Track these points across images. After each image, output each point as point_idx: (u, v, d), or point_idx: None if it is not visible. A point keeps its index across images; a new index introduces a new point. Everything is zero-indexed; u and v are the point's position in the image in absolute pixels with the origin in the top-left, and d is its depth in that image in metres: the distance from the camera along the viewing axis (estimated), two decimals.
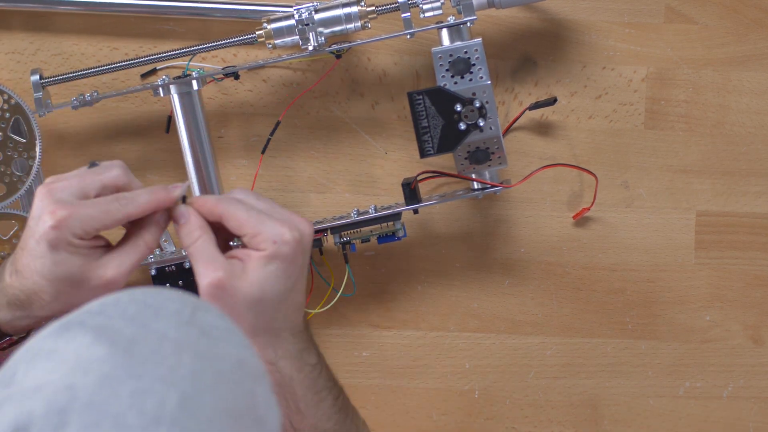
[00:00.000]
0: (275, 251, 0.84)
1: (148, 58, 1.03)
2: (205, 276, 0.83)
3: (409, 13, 1.00)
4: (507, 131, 1.09)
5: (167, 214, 0.86)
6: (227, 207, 0.85)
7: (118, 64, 1.03)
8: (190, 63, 1.04)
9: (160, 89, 1.01)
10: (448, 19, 1.00)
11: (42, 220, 0.82)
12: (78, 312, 0.61)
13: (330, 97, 1.09)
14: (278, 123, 1.05)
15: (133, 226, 0.87)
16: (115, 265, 0.85)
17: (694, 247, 1.11)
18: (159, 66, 1.07)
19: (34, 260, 0.83)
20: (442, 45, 1.00)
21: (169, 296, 0.63)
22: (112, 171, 0.87)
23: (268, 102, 1.09)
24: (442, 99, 0.99)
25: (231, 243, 0.89)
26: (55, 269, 0.83)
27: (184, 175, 1.04)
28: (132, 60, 1.03)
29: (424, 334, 1.11)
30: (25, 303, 0.85)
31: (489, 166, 1.02)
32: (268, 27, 1.00)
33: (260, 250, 0.84)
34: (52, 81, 1.02)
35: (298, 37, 1.00)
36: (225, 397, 0.58)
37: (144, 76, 1.08)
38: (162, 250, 1.06)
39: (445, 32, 1.00)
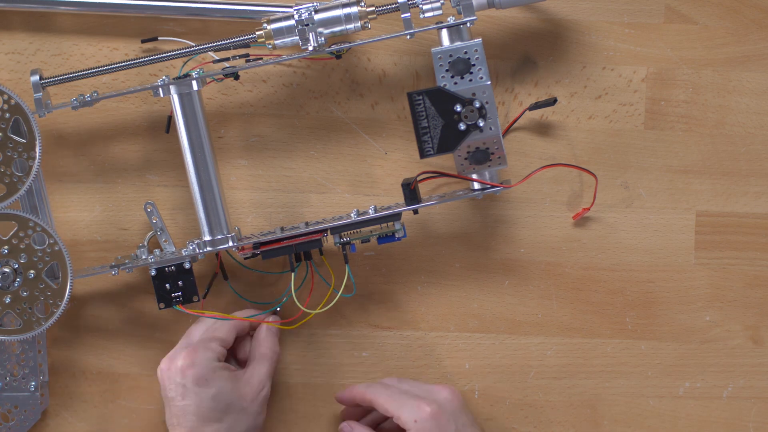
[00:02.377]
0: (417, 430, 0.98)
1: (148, 58, 1.03)
2: None
3: (409, 14, 1.00)
4: (507, 131, 1.09)
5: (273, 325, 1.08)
6: (373, 393, 1.03)
7: (118, 64, 1.03)
8: (191, 62, 1.04)
9: (160, 89, 1.01)
10: (448, 19, 1.00)
11: (178, 375, 1.01)
12: None
13: (330, 97, 1.09)
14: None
15: (254, 344, 1.07)
16: (256, 375, 1.04)
17: (694, 247, 1.11)
18: (157, 63, 1.07)
19: (185, 417, 1.00)
20: (442, 45, 1.00)
21: None
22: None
23: (268, 102, 1.09)
24: (442, 99, 0.99)
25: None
26: (218, 405, 1.00)
27: (184, 175, 1.04)
28: (132, 60, 1.03)
29: (424, 334, 1.11)
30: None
31: (489, 166, 1.02)
32: (268, 27, 1.00)
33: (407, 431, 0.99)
34: (52, 81, 1.02)
35: (298, 37, 1.00)
36: None
37: (144, 41, 1.07)
38: (162, 250, 1.06)
39: (445, 32, 1.00)
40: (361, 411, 1.09)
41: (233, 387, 1.02)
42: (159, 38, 1.07)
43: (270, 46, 1.01)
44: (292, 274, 1.06)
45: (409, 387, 1.03)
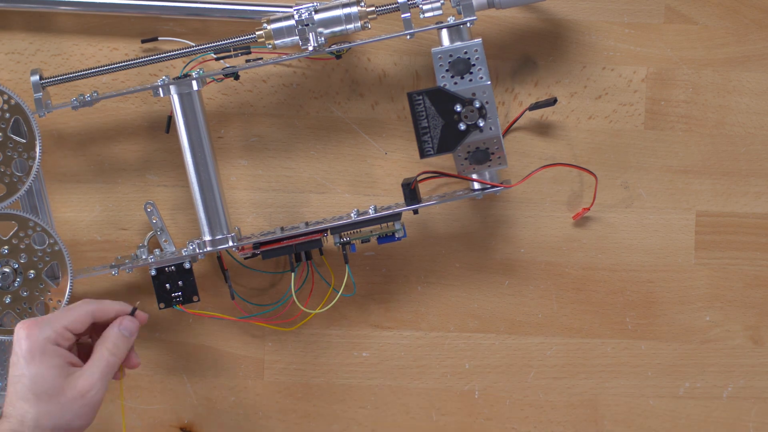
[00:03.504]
0: None
1: (149, 58, 1.03)
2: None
3: (409, 14, 1.00)
4: (507, 131, 1.09)
5: (128, 326, 1.00)
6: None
7: (118, 64, 1.03)
8: (191, 61, 1.04)
9: (160, 89, 1.01)
10: (448, 19, 1.00)
11: (17, 343, 0.96)
12: None
13: (330, 97, 1.09)
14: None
15: (98, 343, 0.99)
16: (86, 376, 0.96)
17: (694, 247, 1.11)
18: (157, 59, 1.07)
19: (13, 386, 0.95)
20: (442, 45, 1.00)
21: None
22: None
23: (268, 102, 1.09)
24: (442, 99, 0.99)
25: None
26: (34, 386, 0.94)
27: (184, 175, 1.04)
28: (132, 60, 1.03)
29: (424, 334, 1.11)
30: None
31: (489, 166, 1.02)
32: (268, 27, 1.00)
33: None
34: (52, 81, 1.02)
35: (298, 37, 1.00)
36: None
37: (144, 41, 1.07)
38: (162, 250, 1.06)
39: (445, 32, 1.00)
40: None
41: (57, 376, 0.95)
42: (159, 38, 1.07)
43: (270, 46, 1.01)
44: (292, 274, 1.06)
45: None
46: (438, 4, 0.99)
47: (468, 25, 1.00)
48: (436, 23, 1.01)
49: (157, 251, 1.05)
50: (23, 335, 0.95)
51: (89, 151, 1.09)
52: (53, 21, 1.08)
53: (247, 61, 1.02)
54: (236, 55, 1.02)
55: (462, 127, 1.00)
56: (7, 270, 1.03)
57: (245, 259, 1.07)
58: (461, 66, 0.99)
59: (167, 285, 1.04)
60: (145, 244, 1.07)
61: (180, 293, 1.04)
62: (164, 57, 1.02)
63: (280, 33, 1.00)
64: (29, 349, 0.95)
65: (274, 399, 1.11)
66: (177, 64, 1.08)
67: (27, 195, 1.06)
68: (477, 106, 0.99)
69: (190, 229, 1.09)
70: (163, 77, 1.01)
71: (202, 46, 1.02)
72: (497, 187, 1.02)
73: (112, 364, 0.98)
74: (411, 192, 1.03)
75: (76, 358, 0.98)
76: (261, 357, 1.11)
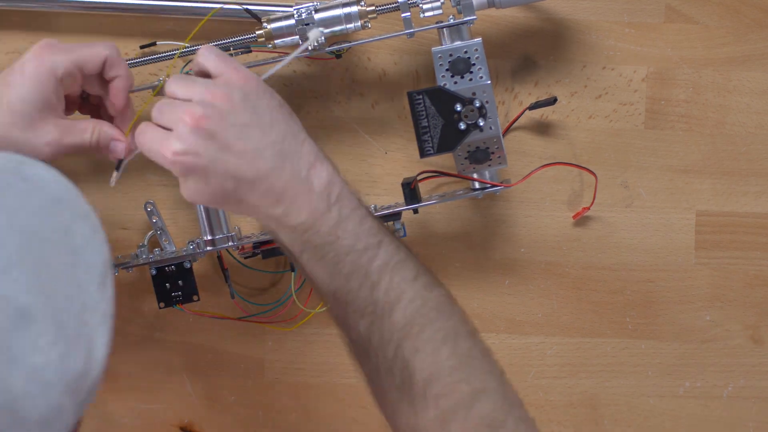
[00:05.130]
0: (177, 170, 0.84)
1: (149, 58, 1.03)
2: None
3: (409, 13, 1.00)
4: (507, 131, 1.09)
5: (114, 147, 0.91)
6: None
7: None
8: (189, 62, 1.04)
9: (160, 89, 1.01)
10: (448, 18, 1.00)
11: (26, 56, 0.86)
12: None
13: (330, 97, 1.09)
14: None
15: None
16: (56, 132, 0.87)
17: (694, 247, 1.11)
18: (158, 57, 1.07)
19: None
20: (442, 45, 1.00)
21: None
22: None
23: None
24: (442, 99, 0.99)
25: None
26: (23, 100, 0.85)
27: None
28: (132, 60, 1.03)
29: None
30: None
31: (489, 165, 1.02)
32: (268, 27, 1.00)
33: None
34: None
35: (298, 36, 1.00)
36: (26, 221, 0.63)
37: (143, 47, 1.07)
38: (162, 249, 1.06)
39: (445, 32, 1.00)
40: None
41: (37, 105, 0.87)
42: (158, 42, 1.07)
43: (270, 46, 1.01)
44: (292, 273, 1.06)
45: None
46: (438, 4, 0.99)
47: (468, 24, 1.00)
48: (436, 23, 1.01)
49: (157, 251, 1.05)
50: (32, 55, 0.86)
51: None
52: (53, 21, 1.08)
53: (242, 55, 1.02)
54: (237, 54, 1.02)
55: (462, 126, 1.00)
56: None
57: (245, 258, 1.07)
58: (461, 65, 0.99)
59: (167, 284, 1.04)
60: (145, 243, 1.07)
61: (180, 293, 1.04)
62: (164, 57, 1.02)
63: (280, 33, 1.00)
64: (31, 70, 0.86)
65: (274, 399, 1.11)
66: (177, 63, 1.08)
67: None
68: (477, 105, 0.99)
69: (190, 229, 1.09)
70: (164, 76, 1.01)
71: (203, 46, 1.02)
72: (497, 186, 1.02)
73: (82, 143, 0.89)
74: (411, 191, 1.03)
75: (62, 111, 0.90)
76: (261, 357, 1.11)
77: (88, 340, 0.63)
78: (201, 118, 0.82)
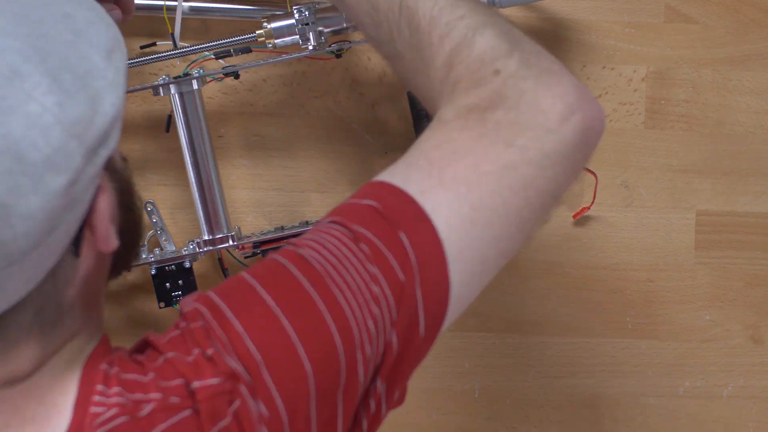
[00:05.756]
0: None
1: (148, 58, 1.03)
2: None
3: None
4: None
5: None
6: None
7: None
8: (191, 63, 1.04)
9: (160, 89, 1.01)
10: None
11: None
12: None
13: (330, 96, 1.09)
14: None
15: None
16: None
17: (694, 247, 1.11)
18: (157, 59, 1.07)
19: None
20: None
21: None
22: None
23: (268, 102, 1.09)
24: None
25: None
26: None
27: (184, 175, 1.04)
28: (132, 60, 1.03)
29: None
30: None
31: None
32: (269, 26, 1.00)
33: None
34: None
35: (298, 36, 1.00)
36: (21, 7, 0.66)
37: (144, 47, 1.07)
38: (162, 249, 1.06)
39: None
40: None
41: None
42: (158, 42, 1.07)
43: (270, 46, 1.01)
44: None
45: None
46: None
47: None
48: None
49: (157, 250, 1.05)
50: None
51: None
52: None
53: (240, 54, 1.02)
54: (237, 54, 1.02)
55: None
56: None
57: (245, 258, 1.07)
58: None
59: (167, 284, 1.04)
60: (145, 243, 1.07)
61: (180, 292, 1.04)
62: (164, 57, 1.02)
63: (280, 32, 1.00)
64: None
65: None
66: (177, 63, 1.08)
67: None
68: None
69: (190, 229, 1.09)
70: (164, 76, 1.01)
71: (202, 46, 1.02)
72: None
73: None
74: None
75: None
76: None
77: (92, 96, 0.66)
78: None
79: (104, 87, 0.67)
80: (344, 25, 1.00)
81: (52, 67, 0.65)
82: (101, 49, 0.68)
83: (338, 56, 1.04)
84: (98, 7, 0.70)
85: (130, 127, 1.09)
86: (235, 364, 0.67)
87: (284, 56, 1.03)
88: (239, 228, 1.06)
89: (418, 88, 0.81)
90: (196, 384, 0.67)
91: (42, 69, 0.64)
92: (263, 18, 1.01)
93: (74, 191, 0.65)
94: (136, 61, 1.03)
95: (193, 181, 1.03)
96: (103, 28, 0.69)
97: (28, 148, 0.62)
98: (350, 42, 1.02)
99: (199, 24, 1.08)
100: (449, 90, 0.77)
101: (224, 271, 1.07)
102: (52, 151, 0.63)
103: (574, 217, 1.10)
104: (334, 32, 1.00)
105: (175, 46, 1.03)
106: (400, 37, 0.80)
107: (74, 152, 0.64)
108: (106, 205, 0.68)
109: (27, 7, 0.66)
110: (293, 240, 0.74)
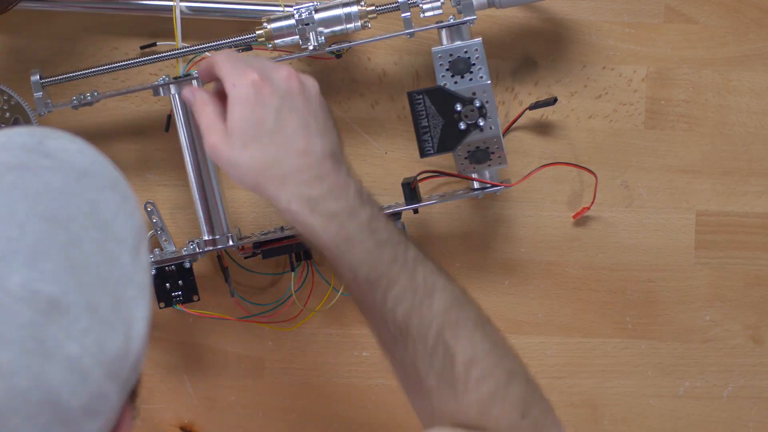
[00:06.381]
0: (234, 94, 0.85)
1: (148, 58, 1.03)
2: (205, 142, 0.86)
3: (409, 13, 1.00)
4: (507, 131, 1.09)
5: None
6: (216, 58, 0.88)
7: (118, 64, 1.03)
8: (190, 62, 1.04)
9: (160, 89, 1.01)
10: (448, 18, 1.00)
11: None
12: None
13: (330, 96, 1.09)
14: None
15: None
16: None
17: (694, 247, 1.11)
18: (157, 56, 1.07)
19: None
20: (442, 45, 1.00)
21: (19, 131, 0.64)
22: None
23: None
24: (442, 99, 0.99)
25: None
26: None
27: (184, 175, 1.04)
28: (132, 60, 1.03)
29: None
30: None
31: (489, 165, 1.02)
32: (268, 27, 1.00)
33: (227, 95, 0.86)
34: (52, 81, 1.02)
35: (298, 36, 1.00)
36: (48, 205, 0.60)
37: (144, 47, 1.07)
38: (162, 249, 1.06)
39: (445, 32, 1.00)
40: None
41: None
42: (158, 43, 1.07)
43: (270, 46, 1.01)
44: (292, 273, 1.06)
45: (254, 59, 0.89)
46: (438, 4, 0.99)
47: (468, 24, 1.00)
48: (436, 23, 1.01)
49: (157, 251, 1.05)
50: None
51: None
52: (53, 21, 1.08)
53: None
54: (239, 51, 1.02)
55: (462, 126, 1.00)
56: None
57: (245, 258, 1.07)
58: (461, 65, 0.99)
59: (167, 284, 1.04)
60: None
61: (180, 293, 1.04)
62: (164, 57, 1.02)
63: (280, 32, 1.00)
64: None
65: (274, 399, 1.11)
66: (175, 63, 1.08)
67: None
68: (477, 105, 0.99)
69: (190, 229, 1.09)
70: (164, 76, 1.01)
71: (202, 46, 1.02)
72: (497, 186, 1.02)
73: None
74: (411, 191, 1.03)
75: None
76: (261, 357, 1.11)
77: (126, 318, 0.61)
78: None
79: (133, 297, 0.62)
80: (344, 26, 1.00)
81: (88, 289, 0.59)
82: (128, 246, 0.63)
83: (338, 56, 1.04)
84: (120, 180, 0.66)
85: (130, 128, 1.09)
86: None
87: (284, 56, 1.03)
88: (239, 228, 1.06)
89: (412, 381, 0.85)
90: None
91: (80, 296, 0.59)
92: (263, 18, 1.01)
93: (106, 426, 0.60)
94: (137, 62, 1.03)
95: (193, 181, 1.03)
96: (129, 212, 0.64)
97: (67, 396, 0.57)
98: (350, 42, 1.02)
99: (199, 24, 1.08)
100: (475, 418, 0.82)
101: (224, 270, 1.07)
102: (91, 397, 0.58)
103: (574, 217, 1.10)
104: (334, 33, 1.00)
105: (177, 47, 1.03)
106: (429, 366, 0.83)
107: (111, 393, 0.60)
108: (128, 428, 0.64)
109: (54, 204, 0.61)
110: None
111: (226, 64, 0.86)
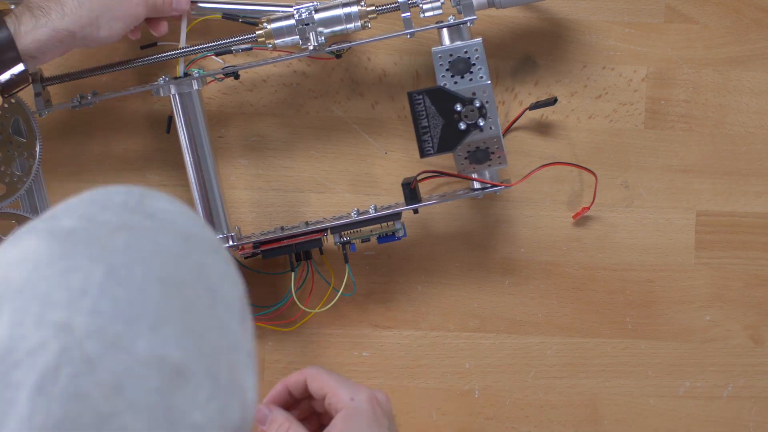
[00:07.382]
0: (353, 407, 0.89)
1: (149, 58, 1.03)
2: None
3: (409, 13, 1.00)
4: (507, 131, 1.09)
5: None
6: (310, 372, 0.93)
7: (118, 64, 1.03)
8: (191, 62, 1.04)
9: (160, 89, 1.01)
10: (448, 18, 1.00)
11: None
12: (33, 221, 0.60)
13: (330, 97, 1.09)
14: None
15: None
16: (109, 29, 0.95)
17: (694, 247, 1.11)
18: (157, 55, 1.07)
19: None
20: (442, 45, 1.00)
21: (117, 190, 0.62)
22: None
23: (268, 101, 1.09)
24: (442, 99, 0.99)
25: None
26: None
27: (184, 175, 1.04)
28: (132, 60, 1.03)
29: (424, 334, 1.11)
30: (46, 10, 0.93)
31: (489, 165, 1.02)
32: (268, 27, 1.00)
33: (339, 409, 0.90)
34: (52, 81, 1.02)
35: (298, 36, 1.00)
36: (162, 267, 0.57)
37: (144, 47, 1.07)
38: None
39: (445, 32, 1.00)
40: (285, 402, 0.97)
41: None
42: (158, 43, 1.07)
43: (270, 46, 1.01)
44: (292, 273, 1.06)
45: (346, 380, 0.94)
46: (438, 4, 0.99)
47: (468, 24, 1.00)
48: (436, 23, 1.01)
49: None
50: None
51: (89, 151, 1.09)
52: None
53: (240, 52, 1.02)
54: (239, 50, 1.02)
55: (462, 126, 1.00)
56: None
57: (245, 258, 1.07)
58: (461, 65, 0.99)
59: None
60: None
61: None
62: (164, 57, 1.02)
63: (280, 32, 1.00)
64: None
65: None
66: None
67: (27, 195, 1.06)
68: (477, 105, 0.99)
69: None
70: (164, 77, 1.01)
71: (202, 46, 1.02)
72: (497, 186, 1.02)
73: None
74: (411, 191, 1.03)
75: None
76: (261, 357, 1.11)
77: (240, 386, 0.59)
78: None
79: (244, 365, 0.60)
80: (344, 26, 1.00)
81: (207, 355, 0.57)
82: (236, 312, 0.61)
83: (338, 56, 1.04)
84: (220, 245, 0.63)
85: (130, 128, 1.09)
86: None
87: (284, 56, 1.03)
88: (239, 228, 1.06)
89: None
90: None
91: (201, 362, 0.56)
92: (263, 18, 1.01)
93: None
94: (137, 62, 1.03)
95: (193, 182, 1.03)
96: (233, 277, 0.62)
97: None
98: (350, 42, 1.02)
99: (199, 24, 1.08)
100: None
101: None
102: None
103: (574, 217, 1.10)
104: (334, 33, 1.00)
105: (180, 47, 1.03)
106: None
107: None
108: None
109: (167, 266, 0.58)
110: None
111: (330, 378, 0.92)
